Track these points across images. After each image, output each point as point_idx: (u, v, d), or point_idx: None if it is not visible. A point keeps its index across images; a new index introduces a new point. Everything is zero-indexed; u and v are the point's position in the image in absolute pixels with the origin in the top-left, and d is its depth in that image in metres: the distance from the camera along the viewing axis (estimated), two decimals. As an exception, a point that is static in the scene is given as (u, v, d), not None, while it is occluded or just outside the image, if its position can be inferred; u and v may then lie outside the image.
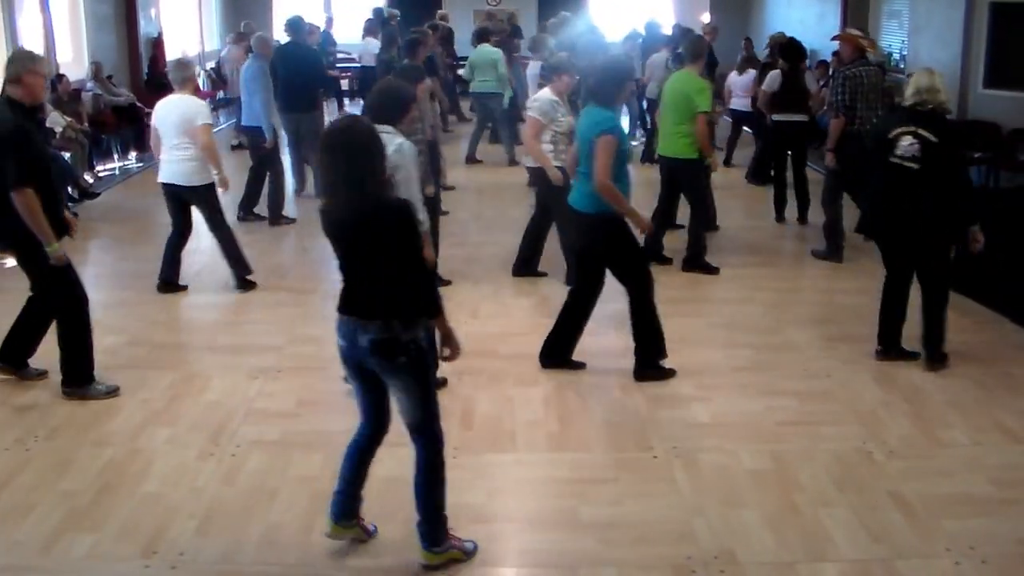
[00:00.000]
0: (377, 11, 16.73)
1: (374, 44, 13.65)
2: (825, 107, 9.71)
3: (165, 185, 7.90)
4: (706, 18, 20.78)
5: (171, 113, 7.74)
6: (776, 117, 10.46)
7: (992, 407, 5.84)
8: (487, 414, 5.73)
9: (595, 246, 6.13)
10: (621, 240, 6.06)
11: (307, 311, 7.59)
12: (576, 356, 6.38)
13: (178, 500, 4.77)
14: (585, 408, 5.83)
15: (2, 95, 5.72)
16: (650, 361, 6.20)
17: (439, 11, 18.42)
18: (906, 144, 6.10)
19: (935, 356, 6.38)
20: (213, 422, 5.63)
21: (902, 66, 13.93)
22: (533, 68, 10.72)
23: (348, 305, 4.07)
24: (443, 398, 5.82)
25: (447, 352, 4.23)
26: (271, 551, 4.37)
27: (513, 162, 13.22)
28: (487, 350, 6.65)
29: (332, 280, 8.37)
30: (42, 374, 6.21)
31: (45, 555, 4.32)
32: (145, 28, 17.03)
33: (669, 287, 7.30)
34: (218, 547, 4.40)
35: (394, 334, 3.97)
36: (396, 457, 5.15)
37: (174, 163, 7.77)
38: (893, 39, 15.45)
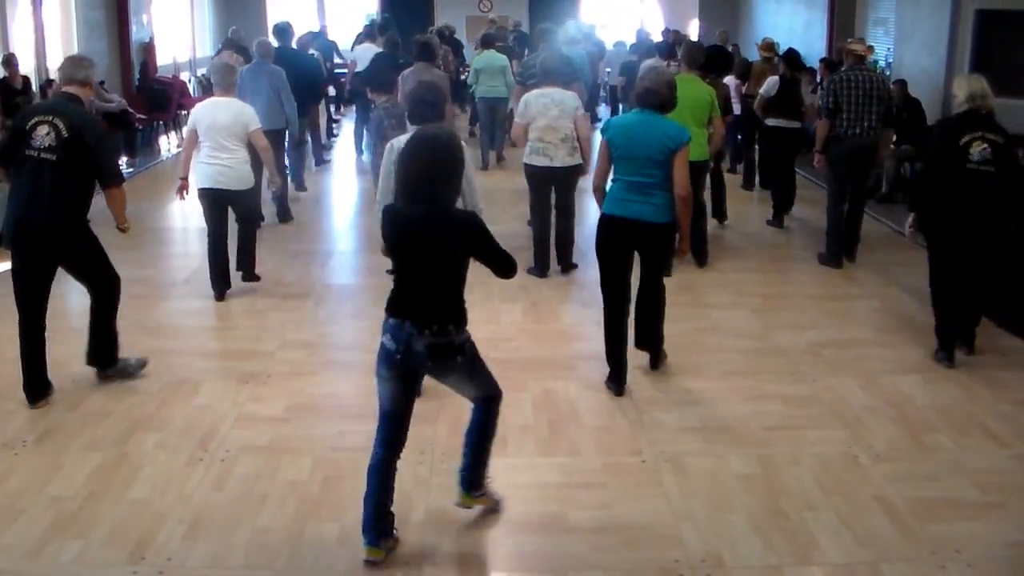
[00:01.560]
0: (373, 18, 16.76)
1: (372, 50, 13.72)
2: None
3: (210, 190, 7.75)
4: (695, 24, 20.89)
5: (221, 115, 7.67)
6: (770, 122, 10.57)
7: (976, 411, 5.88)
8: (476, 419, 5.75)
9: (667, 254, 6.17)
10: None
11: (298, 316, 7.60)
12: (567, 361, 6.43)
13: (166, 505, 4.77)
14: (574, 413, 5.85)
15: (68, 95, 5.87)
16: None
17: (445, 25, 18.49)
18: (979, 150, 6.29)
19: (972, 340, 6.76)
20: (202, 427, 5.64)
21: (888, 73, 14.01)
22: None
23: (402, 309, 4.19)
24: (433, 404, 5.89)
25: None
26: (259, 556, 4.38)
27: (500, 159, 13.94)
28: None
29: (323, 285, 8.43)
30: (143, 363, 6.38)
31: (33, 560, 4.32)
32: (137, 34, 17.02)
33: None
34: (206, 552, 4.40)
35: (450, 338, 4.19)
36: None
37: (222, 166, 7.67)
38: (879, 46, 15.55)
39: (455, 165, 4.19)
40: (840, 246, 8.90)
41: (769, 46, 13.26)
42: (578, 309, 7.60)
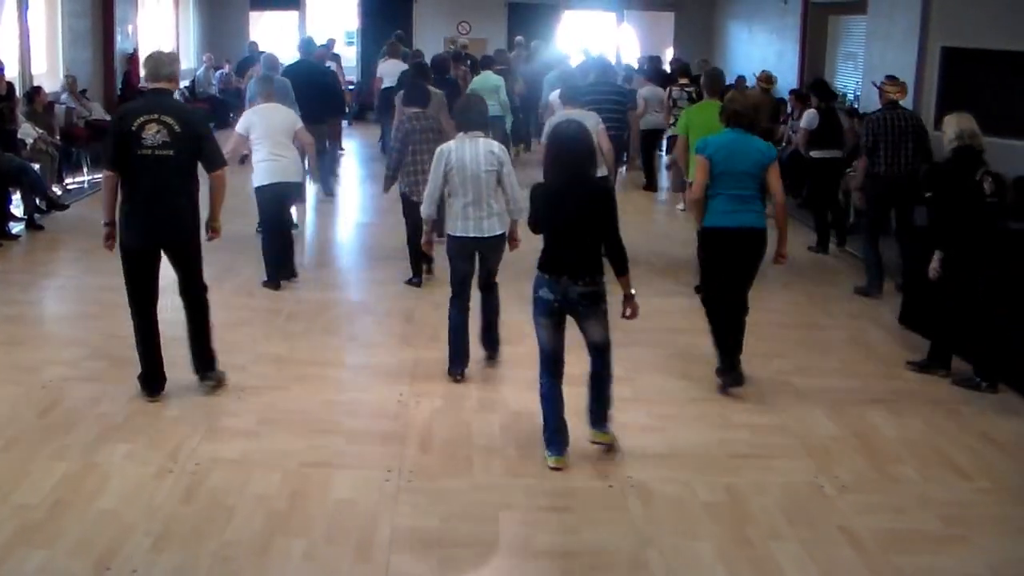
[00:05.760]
0: (399, 33, 17.14)
1: (399, 65, 14.21)
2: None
3: (272, 185, 8.55)
4: (669, 52, 21.13)
5: (275, 118, 8.67)
6: (815, 154, 10.70)
7: (942, 444, 5.94)
8: (445, 438, 5.76)
9: (761, 260, 6.65)
10: None
11: (270, 331, 7.60)
12: (535, 383, 6.48)
13: (134, 516, 4.75)
14: (542, 436, 5.86)
15: (160, 91, 6.01)
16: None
17: (457, 37, 18.54)
18: (988, 183, 6.69)
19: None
20: (172, 439, 5.62)
21: (856, 106, 14.20)
22: (556, 95, 10.97)
23: (558, 267, 5.30)
24: (400, 423, 5.91)
25: (628, 312, 5.48)
26: (225, 569, 4.38)
27: None
28: (446, 373, 6.70)
29: (296, 300, 8.43)
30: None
31: (-4, 568, 4.30)
32: (121, 44, 16.99)
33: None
34: (172, 564, 4.39)
35: (598, 287, 5.32)
36: (349, 481, 5.22)
37: (282, 163, 8.57)
38: (848, 80, 15.81)
39: (593, 145, 5.63)
40: (881, 279, 9.14)
41: (767, 78, 13.42)
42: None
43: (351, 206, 12.83)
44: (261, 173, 8.61)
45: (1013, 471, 5.64)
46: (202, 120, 6.11)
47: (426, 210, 6.62)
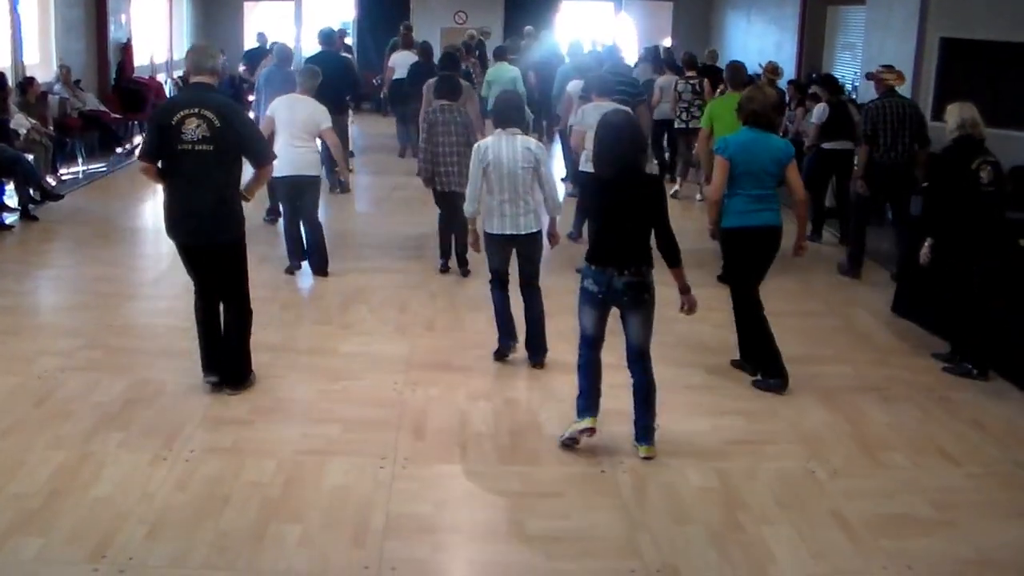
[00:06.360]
0: (406, 25, 17.10)
1: (410, 57, 14.44)
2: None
3: (285, 177, 8.43)
4: (668, 42, 21.08)
5: (300, 111, 8.58)
6: (826, 145, 10.69)
7: (933, 431, 5.98)
8: (439, 426, 5.79)
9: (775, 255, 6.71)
10: None
11: (263, 320, 7.58)
12: (530, 371, 6.51)
13: (129, 505, 4.78)
14: (535, 423, 5.91)
15: (203, 85, 5.98)
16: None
17: (471, 35, 18.52)
18: (986, 172, 6.73)
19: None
20: (167, 427, 5.65)
21: (854, 96, 14.22)
22: (575, 86, 10.95)
23: (604, 258, 5.31)
24: (395, 411, 5.93)
25: (686, 307, 5.55)
26: (220, 556, 4.41)
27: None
28: (441, 362, 6.74)
29: (290, 289, 8.44)
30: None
31: (-8, 556, 4.32)
32: (114, 34, 16.93)
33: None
34: (167, 552, 4.42)
35: (644, 278, 5.31)
36: (344, 468, 5.25)
37: (297, 155, 8.50)
38: (847, 70, 15.79)
39: (642, 136, 5.63)
40: (861, 258, 9.32)
41: (773, 69, 13.43)
42: (550, 320, 7.66)
43: (348, 196, 12.83)
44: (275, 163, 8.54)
45: (1002, 457, 5.69)
46: (241, 116, 6.07)
47: (469, 208, 6.61)
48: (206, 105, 5.79)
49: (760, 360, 6.60)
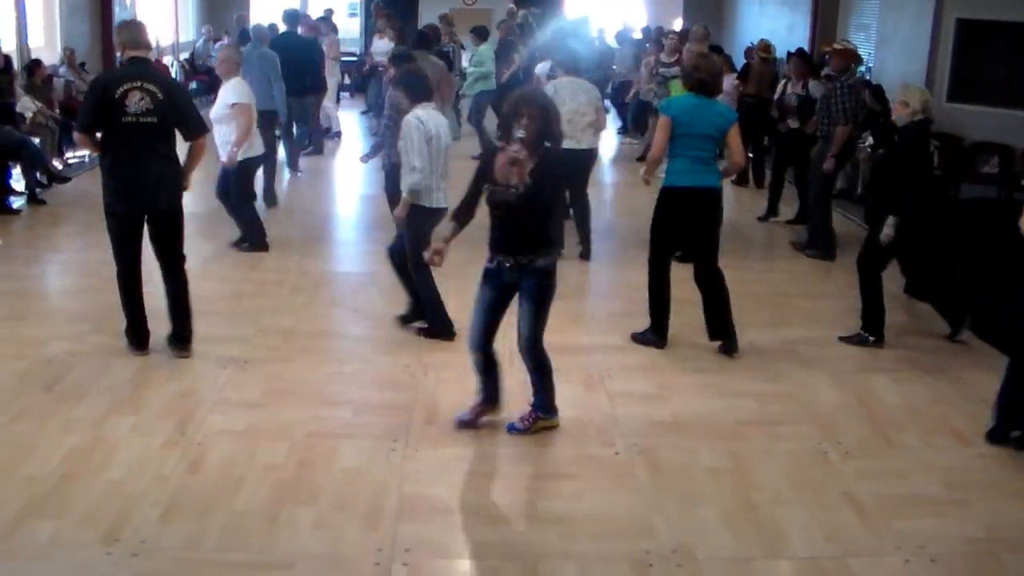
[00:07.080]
0: (384, 10, 16.95)
1: (388, 45, 14.33)
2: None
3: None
4: (678, 23, 20.92)
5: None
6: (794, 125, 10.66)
7: (944, 410, 5.98)
8: (450, 409, 5.77)
9: (719, 223, 6.88)
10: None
11: (275, 303, 7.62)
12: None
13: (142, 488, 4.78)
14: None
15: (139, 59, 6.08)
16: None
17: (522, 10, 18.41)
18: (936, 156, 7.13)
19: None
20: (179, 411, 5.65)
21: (868, 77, 14.14)
22: (543, 67, 10.99)
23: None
24: (407, 394, 5.93)
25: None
26: (234, 539, 4.41)
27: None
28: (451, 345, 6.72)
29: (300, 272, 8.43)
30: None
31: (6, 540, 4.33)
32: (120, 16, 16.86)
33: (637, 287, 7.36)
34: (181, 535, 4.43)
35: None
36: (356, 450, 5.25)
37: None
38: (861, 51, 15.63)
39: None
40: (833, 244, 9.34)
41: (766, 47, 13.37)
42: (557, 303, 7.64)
43: (353, 179, 12.80)
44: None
45: (1014, 436, 5.67)
46: (182, 90, 6.28)
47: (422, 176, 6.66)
48: (148, 79, 5.96)
49: (655, 318, 6.85)
